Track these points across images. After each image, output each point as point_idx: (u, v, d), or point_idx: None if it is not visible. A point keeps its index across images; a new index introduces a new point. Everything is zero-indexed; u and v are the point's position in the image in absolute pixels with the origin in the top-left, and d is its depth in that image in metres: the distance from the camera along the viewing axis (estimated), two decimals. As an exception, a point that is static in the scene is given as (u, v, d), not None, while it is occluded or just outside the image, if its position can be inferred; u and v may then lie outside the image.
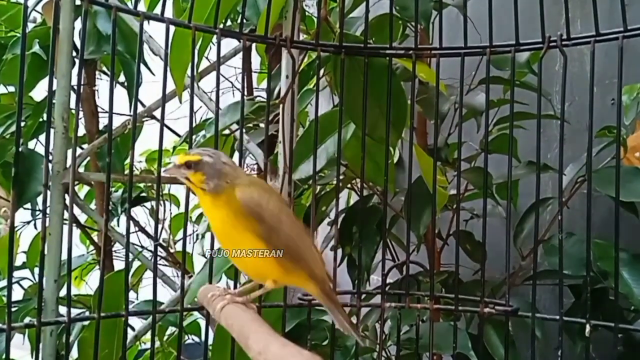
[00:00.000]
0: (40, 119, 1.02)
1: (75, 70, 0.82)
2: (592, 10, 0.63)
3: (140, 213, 1.49)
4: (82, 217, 1.23)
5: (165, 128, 0.68)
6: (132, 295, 1.32)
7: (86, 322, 0.81)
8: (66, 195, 0.83)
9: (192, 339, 1.37)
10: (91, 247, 1.33)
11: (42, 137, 1.04)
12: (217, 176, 0.52)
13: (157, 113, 1.08)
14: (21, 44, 0.61)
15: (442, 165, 0.96)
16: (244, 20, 0.70)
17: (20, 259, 1.19)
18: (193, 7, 0.65)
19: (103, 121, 1.20)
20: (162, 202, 1.46)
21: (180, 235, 1.49)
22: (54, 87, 0.79)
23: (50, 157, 0.83)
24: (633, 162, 0.87)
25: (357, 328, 0.73)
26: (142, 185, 1.34)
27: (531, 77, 0.89)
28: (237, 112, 0.73)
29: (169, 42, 0.65)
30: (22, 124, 1.01)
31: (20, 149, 0.57)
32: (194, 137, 0.89)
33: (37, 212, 1.22)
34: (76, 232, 1.29)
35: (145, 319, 0.86)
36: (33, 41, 0.98)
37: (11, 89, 1.11)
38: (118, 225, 1.30)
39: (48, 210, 0.79)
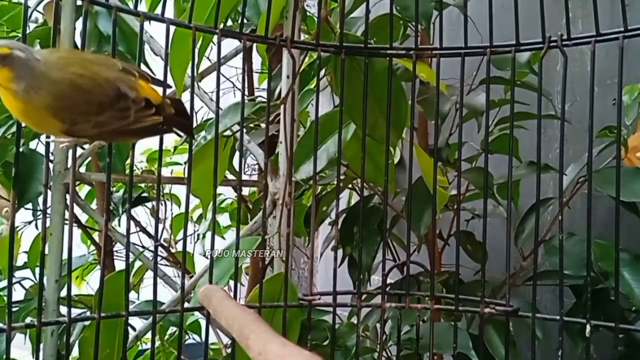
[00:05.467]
0: (41, 119, 1.02)
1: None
2: (592, 10, 0.63)
3: (141, 213, 1.49)
4: (83, 217, 1.23)
5: (165, 128, 0.68)
6: (133, 295, 1.33)
7: (87, 322, 0.81)
8: (67, 196, 0.83)
9: (193, 339, 1.37)
10: (92, 247, 1.33)
11: (43, 137, 1.04)
12: (30, 76, 0.47)
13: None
14: (22, 44, 0.60)
15: (442, 166, 0.96)
16: (245, 21, 0.70)
17: (21, 259, 1.19)
18: (193, 7, 0.65)
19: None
20: (162, 202, 1.46)
21: (181, 235, 1.49)
22: (55, 88, 0.79)
23: (51, 157, 0.83)
24: (634, 162, 0.87)
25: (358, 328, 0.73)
26: (143, 185, 1.34)
27: (532, 77, 0.89)
28: (238, 113, 0.73)
29: (169, 42, 0.65)
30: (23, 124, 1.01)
31: (21, 149, 0.57)
32: (194, 137, 0.89)
33: (38, 212, 1.22)
34: (77, 232, 1.29)
35: (146, 319, 0.86)
36: (34, 41, 0.97)
37: (12, 89, 1.11)
38: (119, 225, 1.31)
39: (49, 211, 0.79)
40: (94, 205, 1.27)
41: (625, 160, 0.87)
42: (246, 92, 1.18)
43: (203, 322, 1.20)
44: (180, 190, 1.49)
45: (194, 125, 0.74)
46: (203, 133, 0.90)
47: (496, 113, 0.93)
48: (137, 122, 0.54)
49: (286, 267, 0.72)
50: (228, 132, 0.86)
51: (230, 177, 1.10)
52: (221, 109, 0.76)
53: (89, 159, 1.18)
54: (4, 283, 1.15)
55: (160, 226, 1.48)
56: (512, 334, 0.78)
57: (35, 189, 0.88)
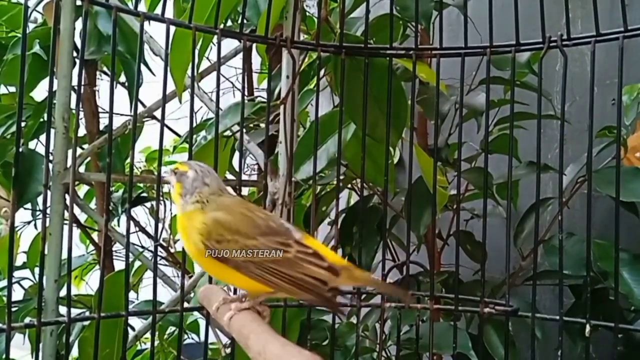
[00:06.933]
0: (41, 119, 1.02)
1: (75, 71, 0.82)
2: (592, 10, 0.63)
3: (140, 213, 1.49)
4: (82, 217, 1.23)
5: (165, 128, 0.68)
6: (132, 295, 1.32)
7: (86, 322, 0.80)
8: (66, 195, 0.83)
9: (192, 339, 1.37)
10: (91, 247, 1.33)
11: (43, 137, 1.04)
12: (191, 193, 0.50)
13: (158, 113, 1.08)
14: (22, 44, 0.61)
15: (442, 166, 0.96)
16: (245, 21, 0.70)
17: (20, 259, 1.19)
18: (193, 7, 0.65)
19: (103, 121, 1.20)
20: (162, 201, 1.46)
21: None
22: (55, 88, 0.79)
23: (51, 157, 0.83)
24: (633, 162, 0.87)
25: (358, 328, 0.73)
26: (142, 185, 1.34)
27: (531, 77, 0.89)
28: (238, 113, 0.73)
29: (169, 43, 0.65)
30: (23, 124, 1.01)
31: (20, 149, 0.58)
32: (194, 137, 0.89)
33: (38, 212, 1.21)
34: (76, 232, 1.29)
35: (146, 319, 0.86)
36: (34, 41, 0.97)
37: (12, 89, 1.11)
38: (118, 225, 1.31)
39: (48, 211, 0.79)
40: (92, 205, 1.27)
41: (625, 160, 0.87)
42: (246, 92, 1.18)
43: (202, 322, 1.20)
44: (179, 190, 1.49)
45: (194, 125, 0.74)
46: (203, 133, 0.90)
47: (496, 113, 0.93)
48: (297, 264, 0.48)
49: (286, 267, 0.72)
50: (228, 132, 0.86)
51: (230, 177, 1.10)
52: (221, 109, 0.76)
53: (89, 159, 1.18)
54: (4, 283, 1.15)
55: (160, 226, 1.47)
56: (511, 334, 0.79)
57: (35, 189, 0.87)
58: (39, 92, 1.05)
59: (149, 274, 1.31)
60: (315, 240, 0.53)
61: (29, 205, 1.14)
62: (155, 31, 0.84)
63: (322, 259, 0.49)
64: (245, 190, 1.38)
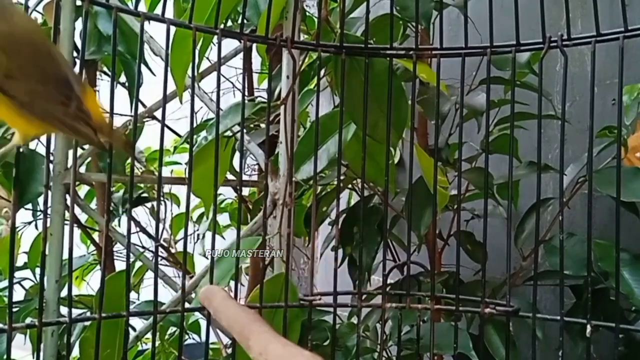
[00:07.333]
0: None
1: (76, 71, 0.82)
2: (592, 10, 0.63)
3: (141, 213, 1.49)
4: (83, 217, 1.23)
5: (166, 128, 0.68)
6: (133, 295, 1.33)
7: (87, 323, 0.81)
8: (67, 196, 0.83)
9: (193, 339, 1.37)
10: (92, 248, 1.33)
11: (43, 138, 1.04)
12: None
13: (158, 113, 1.08)
14: (22, 45, 0.60)
15: (442, 166, 0.96)
16: (245, 21, 0.70)
17: (21, 259, 1.19)
18: (194, 7, 0.65)
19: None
20: (162, 202, 1.46)
21: (181, 235, 1.49)
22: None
23: (51, 158, 0.83)
24: (634, 162, 0.87)
25: (359, 326, 0.73)
26: (142, 185, 1.34)
27: (532, 77, 0.90)
28: (238, 113, 0.73)
29: (169, 43, 0.65)
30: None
31: (21, 149, 0.57)
32: (195, 137, 0.89)
33: (38, 213, 1.22)
34: (77, 232, 1.29)
35: (147, 319, 0.86)
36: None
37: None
38: (119, 226, 1.31)
39: (49, 211, 0.79)
40: (93, 206, 1.27)
41: (625, 161, 0.87)
42: (246, 93, 1.18)
43: (203, 322, 1.20)
44: (180, 190, 1.49)
45: (195, 125, 0.74)
46: (203, 133, 0.90)
47: (496, 113, 0.93)
48: (74, 120, 0.48)
49: (287, 267, 0.72)
50: (228, 133, 0.86)
51: (231, 177, 1.10)
52: (221, 110, 0.76)
53: (89, 159, 1.18)
54: (5, 283, 1.15)
55: (160, 226, 1.47)
56: (512, 334, 0.79)
57: (36, 189, 0.88)
58: (40, 93, 1.05)
59: (149, 275, 1.31)
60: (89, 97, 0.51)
61: (29, 206, 1.14)
62: (156, 31, 0.83)
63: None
64: (245, 191, 1.38)
